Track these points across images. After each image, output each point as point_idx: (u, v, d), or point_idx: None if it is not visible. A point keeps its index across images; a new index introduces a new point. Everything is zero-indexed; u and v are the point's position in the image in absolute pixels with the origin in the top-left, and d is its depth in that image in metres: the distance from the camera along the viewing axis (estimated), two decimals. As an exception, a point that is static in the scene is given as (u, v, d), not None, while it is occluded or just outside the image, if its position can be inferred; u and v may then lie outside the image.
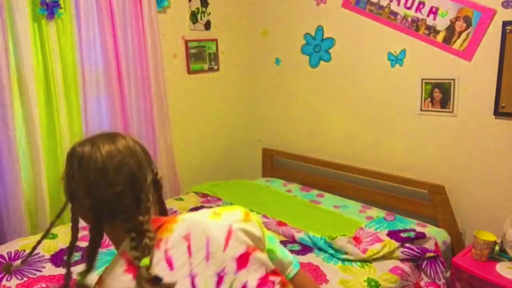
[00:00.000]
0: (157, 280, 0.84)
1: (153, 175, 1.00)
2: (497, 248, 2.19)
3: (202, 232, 0.91)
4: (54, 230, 2.40)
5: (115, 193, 0.90)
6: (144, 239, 0.88)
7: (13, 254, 2.13)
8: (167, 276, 0.85)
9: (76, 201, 0.93)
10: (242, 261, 0.90)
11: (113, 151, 0.92)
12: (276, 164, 3.53)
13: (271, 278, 0.91)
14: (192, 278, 0.87)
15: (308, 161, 3.27)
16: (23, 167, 2.54)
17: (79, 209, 0.95)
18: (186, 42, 3.25)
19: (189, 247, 0.89)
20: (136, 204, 0.92)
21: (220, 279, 0.88)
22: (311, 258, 2.14)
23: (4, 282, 1.89)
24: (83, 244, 2.34)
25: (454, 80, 2.45)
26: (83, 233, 2.52)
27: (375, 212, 2.69)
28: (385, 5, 2.68)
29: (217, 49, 3.45)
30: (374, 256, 2.10)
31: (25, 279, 1.92)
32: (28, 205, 2.57)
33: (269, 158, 3.54)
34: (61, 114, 2.63)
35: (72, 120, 2.69)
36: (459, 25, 2.38)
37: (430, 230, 2.42)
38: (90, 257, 0.99)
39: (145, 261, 0.85)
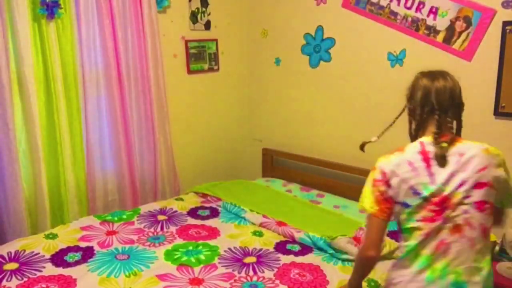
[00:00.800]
0: (443, 158, 1.40)
1: (457, 107, 1.51)
2: (497, 248, 2.19)
3: (470, 156, 1.40)
4: (54, 230, 2.40)
5: (434, 102, 1.47)
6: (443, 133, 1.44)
7: (13, 254, 2.12)
8: None
9: (412, 101, 1.56)
10: (480, 185, 1.38)
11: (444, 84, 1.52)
12: (276, 164, 3.53)
13: (486, 205, 1.39)
14: (452, 174, 1.39)
15: (308, 161, 3.26)
16: (23, 167, 2.54)
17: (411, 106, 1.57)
18: (186, 42, 3.25)
19: (458, 160, 1.40)
20: (441, 113, 1.46)
21: (461, 184, 1.37)
22: (311, 258, 2.14)
23: (4, 282, 1.89)
24: (83, 244, 2.35)
25: (454, 80, 2.45)
26: (83, 233, 2.52)
27: (375, 212, 2.69)
28: (385, 5, 2.68)
29: (217, 49, 3.45)
30: None
31: (25, 279, 1.92)
32: (28, 205, 2.57)
33: (269, 158, 3.54)
34: (61, 114, 2.63)
35: (72, 120, 2.69)
36: (459, 25, 2.38)
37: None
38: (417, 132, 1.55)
39: (444, 144, 1.42)
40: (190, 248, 2.24)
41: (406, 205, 1.43)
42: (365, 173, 2.83)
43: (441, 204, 1.39)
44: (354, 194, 2.93)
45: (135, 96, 2.95)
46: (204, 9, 3.32)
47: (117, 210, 2.79)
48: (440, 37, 2.47)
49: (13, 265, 2.03)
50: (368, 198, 1.49)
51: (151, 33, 2.92)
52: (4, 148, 2.43)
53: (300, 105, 3.33)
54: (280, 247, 2.26)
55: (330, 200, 2.89)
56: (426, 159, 1.43)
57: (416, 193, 1.41)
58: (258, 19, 3.52)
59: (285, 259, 2.14)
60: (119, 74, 2.82)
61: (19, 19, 2.40)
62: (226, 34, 3.49)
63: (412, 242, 1.43)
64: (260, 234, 2.42)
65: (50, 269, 2.01)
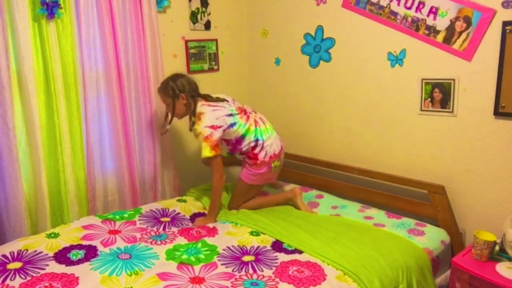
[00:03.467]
0: None
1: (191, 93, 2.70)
2: (497, 248, 2.20)
3: None
4: (56, 230, 2.40)
5: (191, 90, 2.67)
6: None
7: (15, 254, 2.12)
8: None
9: (176, 95, 2.65)
10: None
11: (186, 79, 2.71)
12: (276, 164, 3.53)
13: None
14: None
15: (308, 161, 3.27)
16: (23, 167, 2.54)
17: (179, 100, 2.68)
18: (186, 42, 3.25)
19: None
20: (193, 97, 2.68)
21: None
22: (308, 256, 2.14)
23: (8, 281, 1.89)
24: (86, 242, 2.34)
25: (454, 80, 2.45)
26: (84, 232, 2.52)
27: (374, 212, 2.69)
28: (385, 5, 2.69)
29: (217, 49, 3.45)
30: None
31: (28, 278, 1.92)
32: (28, 205, 2.57)
33: (269, 158, 3.54)
34: (61, 114, 2.63)
35: (72, 120, 2.69)
36: (459, 25, 2.39)
37: (430, 230, 2.42)
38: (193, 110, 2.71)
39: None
40: (190, 246, 2.24)
41: None
42: (365, 173, 2.87)
43: None
44: (353, 194, 2.96)
45: (135, 96, 2.95)
46: (204, 9, 3.33)
47: (117, 210, 2.79)
48: (440, 37, 2.48)
49: (16, 264, 2.03)
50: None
51: (151, 33, 2.93)
52: (4, 148, 2.43)
53: (300, 105, 3.34)
54: (277, 246, 2.27)
55: (329, 201, 2.89)
56: None
57: None
58: (258, 19, 3.52)
59: (283, 257, 2.14)
60: (119, 74, 2.82)
61: (19, 19, 2.40)
62: (226, 34, 3.50)
63: None
64: (257, 234, 2.42)
65: (53, 267, 2.01)
